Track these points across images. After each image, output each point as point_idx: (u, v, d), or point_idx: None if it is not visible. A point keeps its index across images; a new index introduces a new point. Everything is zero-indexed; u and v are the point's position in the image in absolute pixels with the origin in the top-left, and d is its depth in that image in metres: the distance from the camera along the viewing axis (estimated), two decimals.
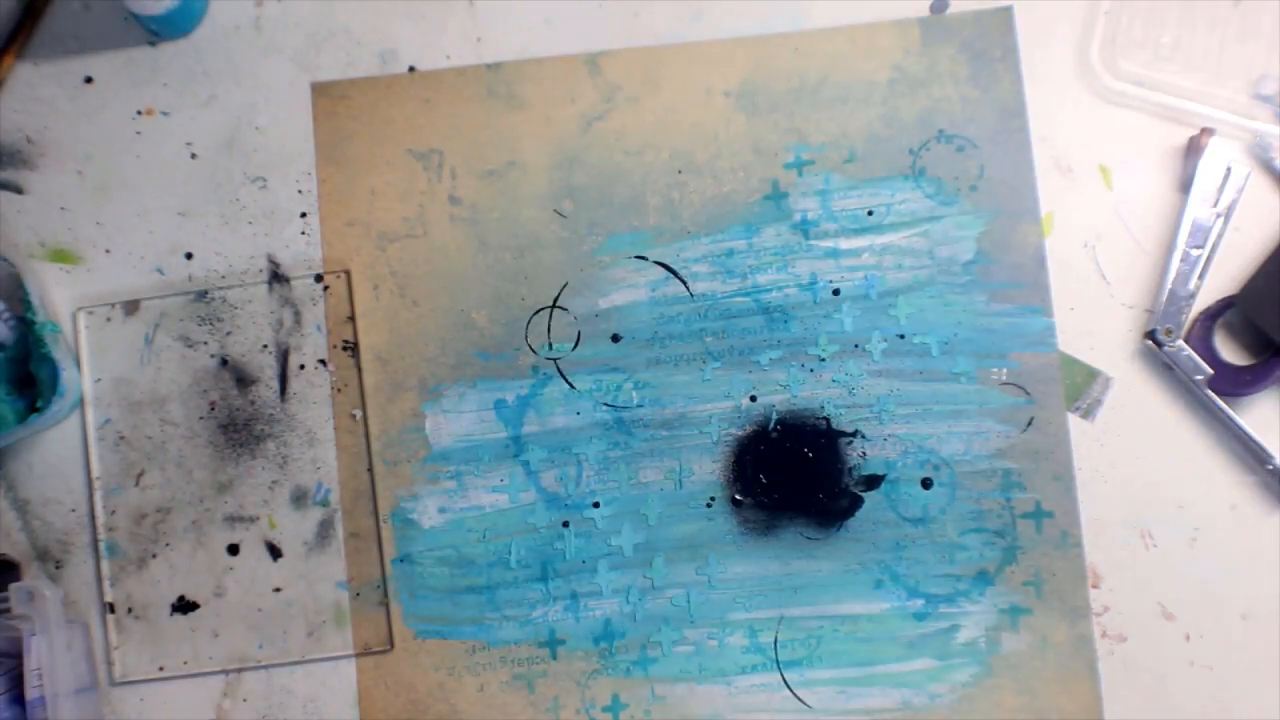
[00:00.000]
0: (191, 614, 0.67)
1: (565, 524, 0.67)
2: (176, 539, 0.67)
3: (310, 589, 0.67)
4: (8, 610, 0.63)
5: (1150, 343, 0.66)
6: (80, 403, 0.68)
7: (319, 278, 0.68)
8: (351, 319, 0.68)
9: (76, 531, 0.67)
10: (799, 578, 0.66)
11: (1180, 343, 0.65)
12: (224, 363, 0.68)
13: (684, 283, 0.68)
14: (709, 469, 0.67)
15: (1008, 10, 0.68)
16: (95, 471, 0.67)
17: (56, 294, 0.68)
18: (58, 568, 0.67)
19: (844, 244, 0.68)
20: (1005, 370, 0.67)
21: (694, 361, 0.67)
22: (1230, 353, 0.66)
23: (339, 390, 0.68)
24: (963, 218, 0.67)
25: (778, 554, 0.66)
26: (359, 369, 0.68)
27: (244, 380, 0.68)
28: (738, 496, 0.67)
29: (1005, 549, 0.66)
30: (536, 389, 0.67)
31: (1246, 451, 0.65)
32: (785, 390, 0.67)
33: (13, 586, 0.63)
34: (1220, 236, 0.66)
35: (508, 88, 0.69)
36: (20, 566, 0.67)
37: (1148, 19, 0.67)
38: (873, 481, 0.66)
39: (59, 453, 0.68)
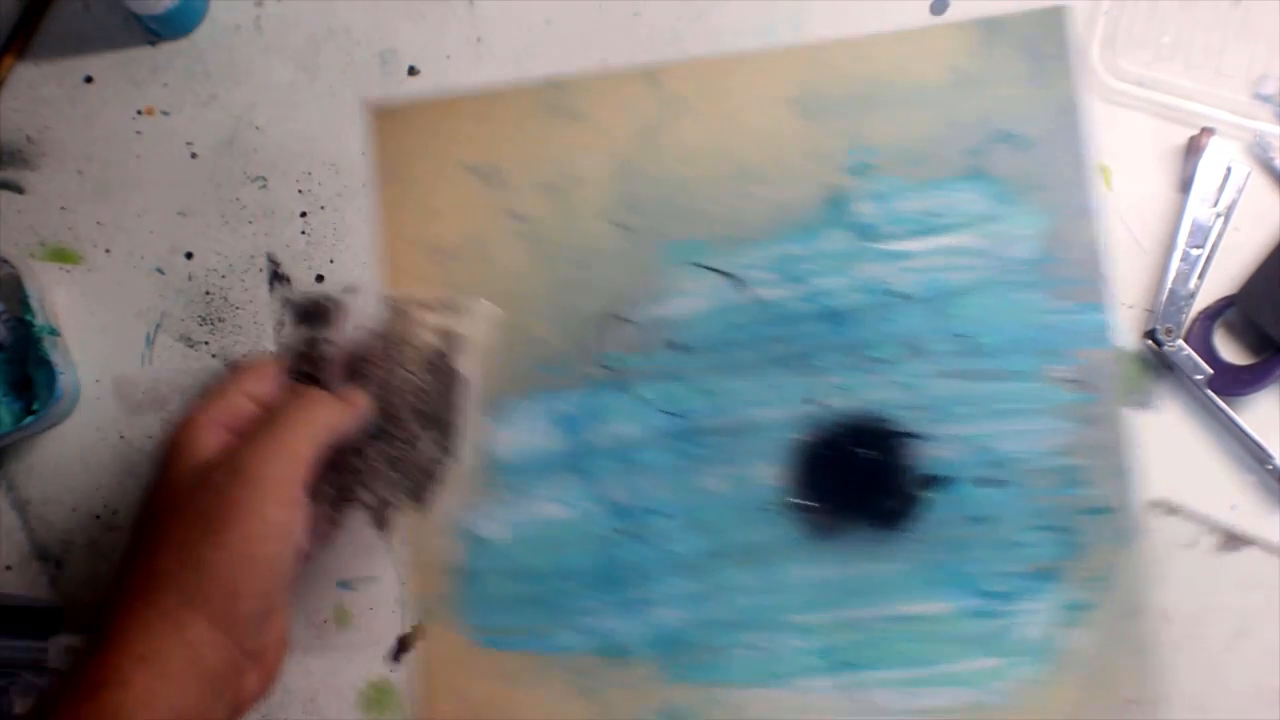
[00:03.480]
0: None
1: (626, 532, 0.66)
2: None
3: (311, 589, 0.66)
4: (45, 662, 0.62)
5: (1150, 342, 0.66)
6: (79, 403, 0.67)
7: (320, 278, 0.68)
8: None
9: (77, 531, 0.67)
10: (861, 580, 0.66)
11: (1180, 342, 0.65)
12: (225, 362, 0.68)
13: (745, 289, 0.67)
14: (770, 474, 0.66)
15: (1061, 10, 0.68)
16: (96, 471, 0.67)
17: (57, 294, 0.68)
18: (58, 568, 0.67)
19: (904, 246, 0.67)
20: (1066, 367, 0.66)
21: (755, 367, 0.67)
22: (1230, 352, 0.66)
23: None
24: (1022, 217, 0.67)
25: (839, 557, 0.66)
26: None
27: None
28: (799, 501, 0.66)
29: (1067, 545, 0.65)
30: (597, 399, 0.67)
31: (1246, 451, 0.65)
32: (846, 393, 0.66)
33: (51, 641, 0.63)
34: (1220, 236, 0.66)
35: (567, 103, 0.69)
36: (65, 613, 0.66)
37: (1148, 19, 0.68)
38: (934, 482, 0.66)
39: (60, 452, 0.67)
